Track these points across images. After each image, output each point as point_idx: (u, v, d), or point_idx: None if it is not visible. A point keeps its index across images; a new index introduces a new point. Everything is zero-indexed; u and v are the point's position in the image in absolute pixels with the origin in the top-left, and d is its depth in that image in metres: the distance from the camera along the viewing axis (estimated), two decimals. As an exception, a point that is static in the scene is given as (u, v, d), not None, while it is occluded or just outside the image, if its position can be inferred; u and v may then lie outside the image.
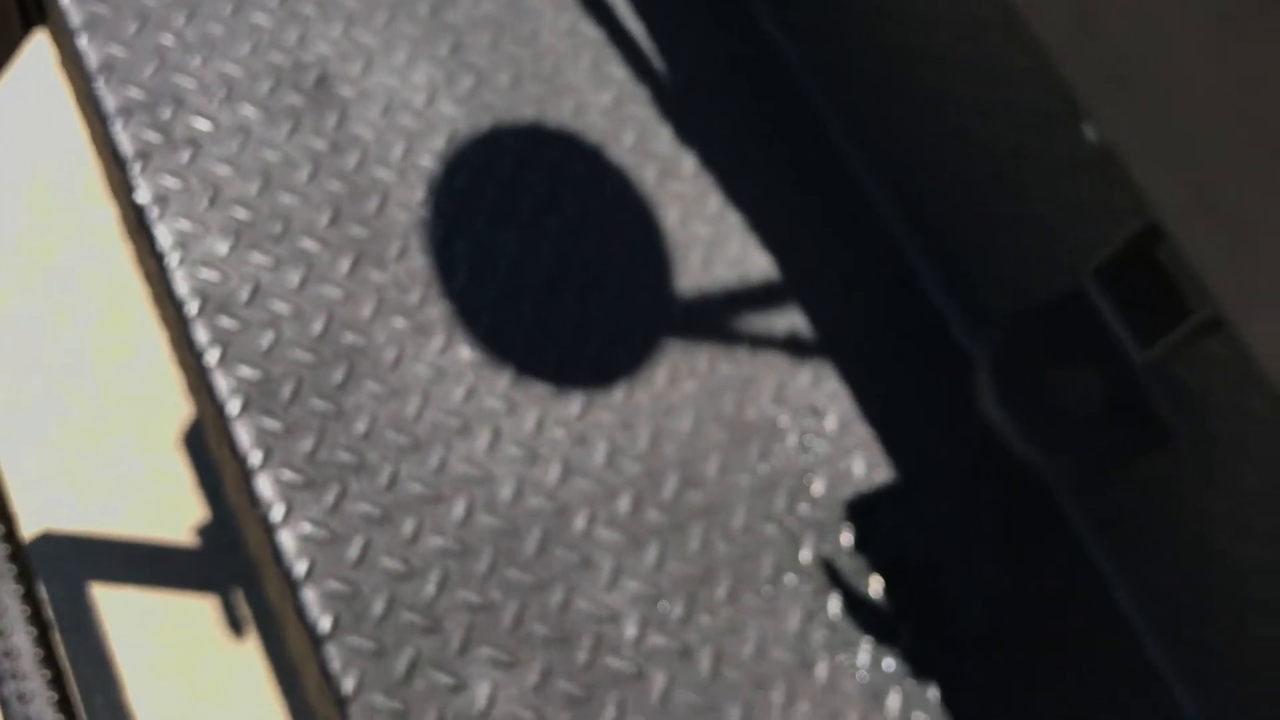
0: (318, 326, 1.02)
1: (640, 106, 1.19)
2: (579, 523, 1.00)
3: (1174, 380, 0.98)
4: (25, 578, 1.15)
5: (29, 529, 1.72)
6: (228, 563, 1.74)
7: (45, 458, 1.76)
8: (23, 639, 1.12)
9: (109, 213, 1.93)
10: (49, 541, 1.73)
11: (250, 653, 1.67)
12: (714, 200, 1.16)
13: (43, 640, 1.12)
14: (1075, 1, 0.76)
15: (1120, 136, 0.74)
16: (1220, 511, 0.97)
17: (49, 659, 1.11)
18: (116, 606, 1.69)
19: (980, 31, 1.03)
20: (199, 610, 1.70)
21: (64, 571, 1.70)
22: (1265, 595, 0.95)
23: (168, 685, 1.64)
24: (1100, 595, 1.06)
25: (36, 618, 1.13)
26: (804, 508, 1.06)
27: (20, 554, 1.16)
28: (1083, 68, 0.75)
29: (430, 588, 0.94)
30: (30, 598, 1.14)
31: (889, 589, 1.03)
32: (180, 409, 1.82)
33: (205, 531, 1.78)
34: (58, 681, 1.11)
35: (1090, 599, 1.06)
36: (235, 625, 1.70)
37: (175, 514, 1.77)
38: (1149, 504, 1.03)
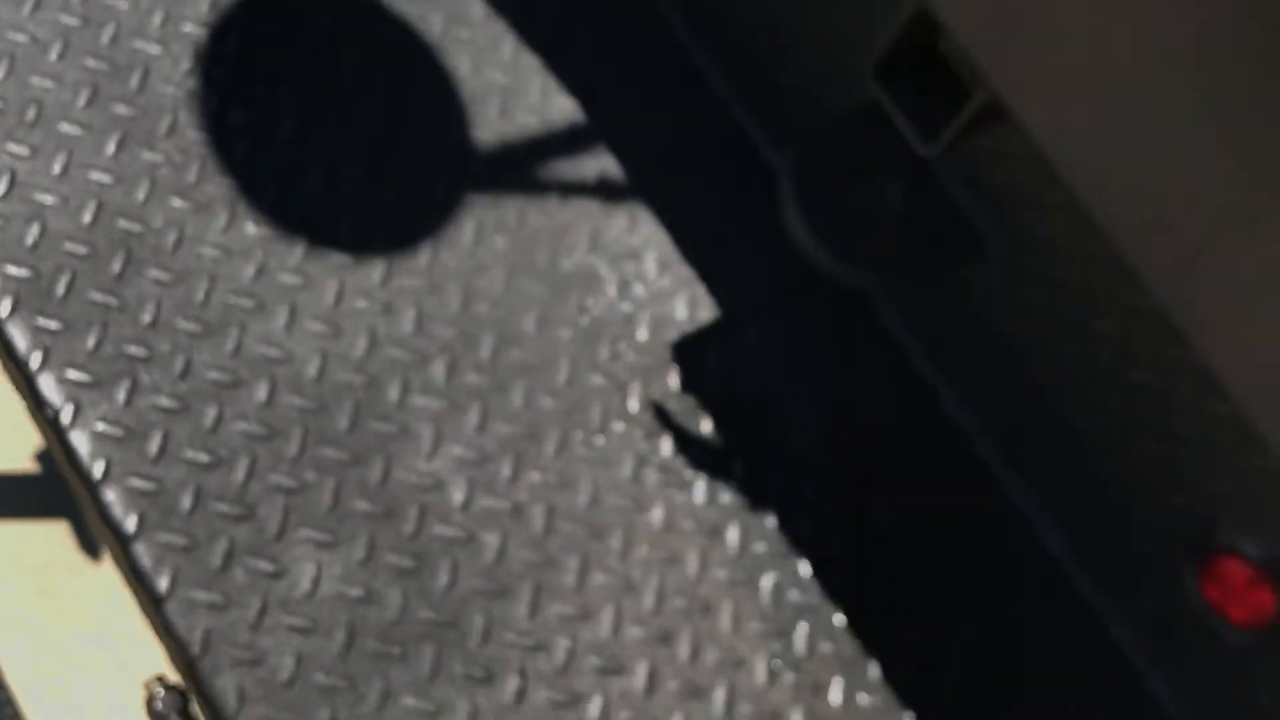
0: (87, 215, 0.95)
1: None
2: (392, 393, 0.96)
3: (977, 182, 0.97)
4: None
5: None
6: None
7: None
8: None
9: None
10: None
11: (108, 571, 1.61)
12: (508, 45, 1.10)
13: None
14: None
15: None
16: (1036, 306, 0.98)
17: None
18: None
19: None
20: (51, 536, 1.63)
21: None
22: (1083, 387, 0.97)
23: (29, 615, 1.58)
24: (928, 405, 1.07)
25: None
26: (629, 355, 1.03)
27: None
28: None
29: (239, 475, 0.89)
30: None
31: (720, 425, 1.02)
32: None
33: (45, 456, 1.69)
34: None
35: (919, 410, 1.07)
36: (90, 547, 1.63)
37: (13, 442, 1.68)
38: (966, 308, 1.03)
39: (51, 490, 1.69)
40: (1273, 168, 0.64)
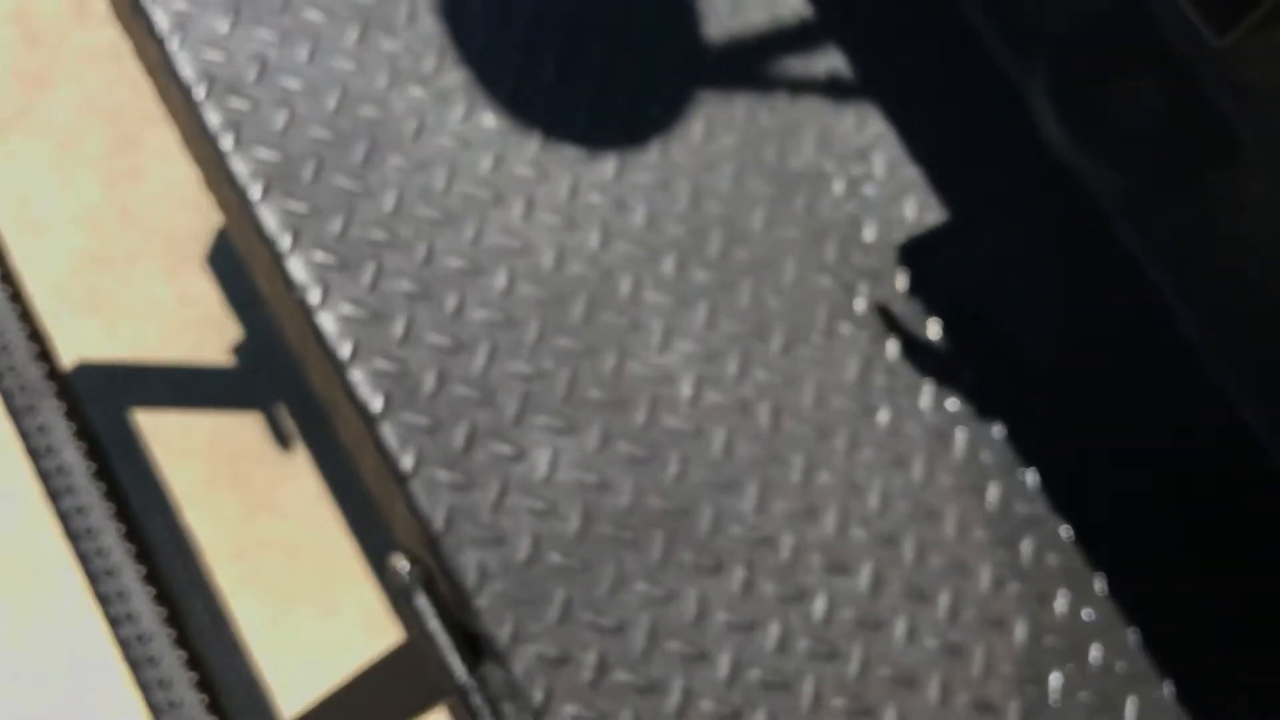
0: (332, 101, 0.97)
1: None
2: (624, 287, 0.96)
3: (1239, 85, 0.92)
4: (66, 394, 1.13)
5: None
6: (268, 379, 1.73)
7: (68, 292, 1.73)
8: (73, 455, 1.11)
9: (101, 35, 1.85)
10: (86, 372, 1.72)
11: (300, 463, 1.68)
12: (738, -61, 1.08)
13: (93, 454, 1.11)
14: None
15: None
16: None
17: (102, 473, 1.10)
18: (161, 431, 1.68)
19: None
20: (245, 427, 1.70)
21: (104, 400, 1.69)
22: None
23: (222, 501, 1.65)
24: (1164, 323, 1.03)
25: (84, 433, 1.12)
26: (856, 256, 1.02)
27: (57, 372, 1.13)
28: None
29: (480, 360, 0.91)
30: (75, 413, 1.12)
31: (948, 331, 1.00)
32: (201, 230, 1.78)
33: (241, 350, 1.76)
34: (113, 495, 1.10)
35: (1154, 327, 1.03)
36: (281, 438, 1.70)
37: (209, 336, 1.75)
38: (1213, 222, 0.99)
39: (248, 383, 1.76)
40: None
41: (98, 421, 1.65)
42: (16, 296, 1.11)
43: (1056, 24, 1.02)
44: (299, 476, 1.68)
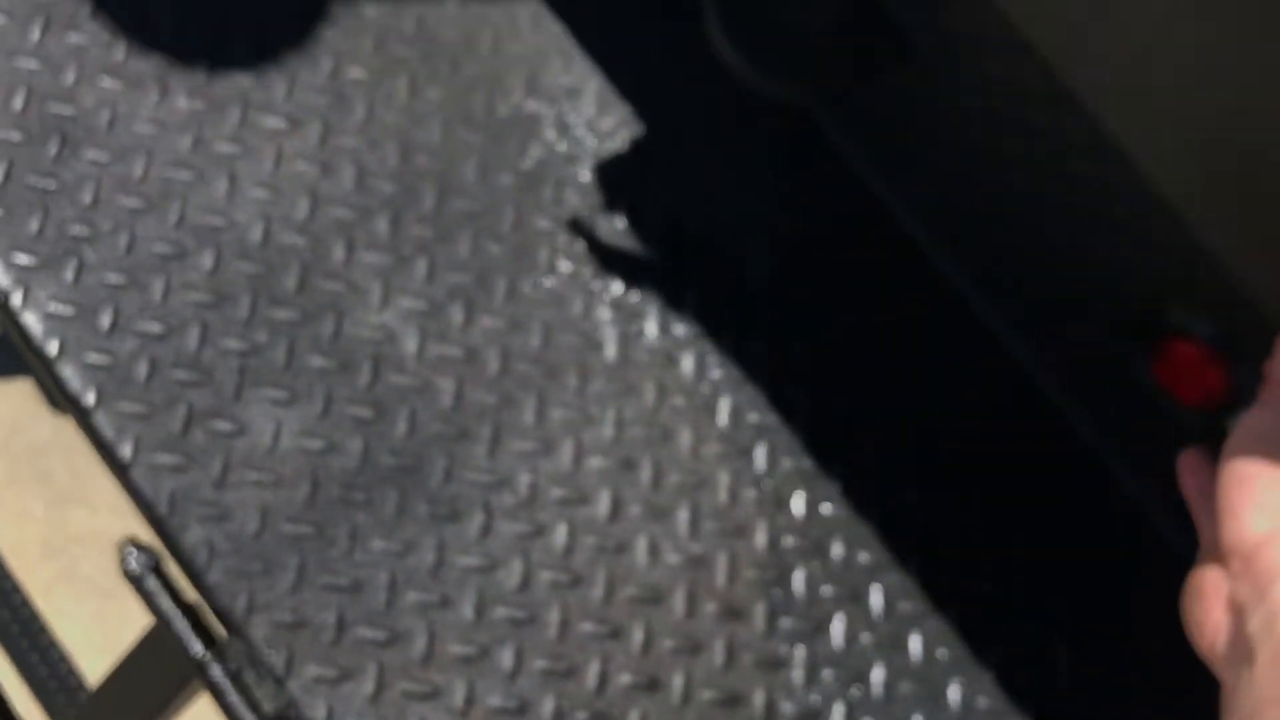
0: (18, 102, 0.96)
1: None
2: (338, 252, 0.97)
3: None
4: None
5: None
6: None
7: None
8: None
9: None
10: None
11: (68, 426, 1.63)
12: (427, -104, 1.09)
13: None
14: None
15: None
16: (974, 109, 0.96)
17: None
18: None
19: None
20: (46, 419, 1.66)
21: None
22: (1024, 184, 0.96)
23: (27, 498, 1.62)
24: (881, 220, 1.07)
25: None
26: (573, 197, 1.03)
27: None
28: None
29: (191, 342, 0.91)
30: None
31: (670, 257, 1.03)
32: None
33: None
34: None
35: (873, 225, 1.07)
36: (54, 400, 1.65)
37: None
38: (905, 115, 1.02)
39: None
40: None
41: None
42: None
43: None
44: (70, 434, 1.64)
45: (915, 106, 1.00)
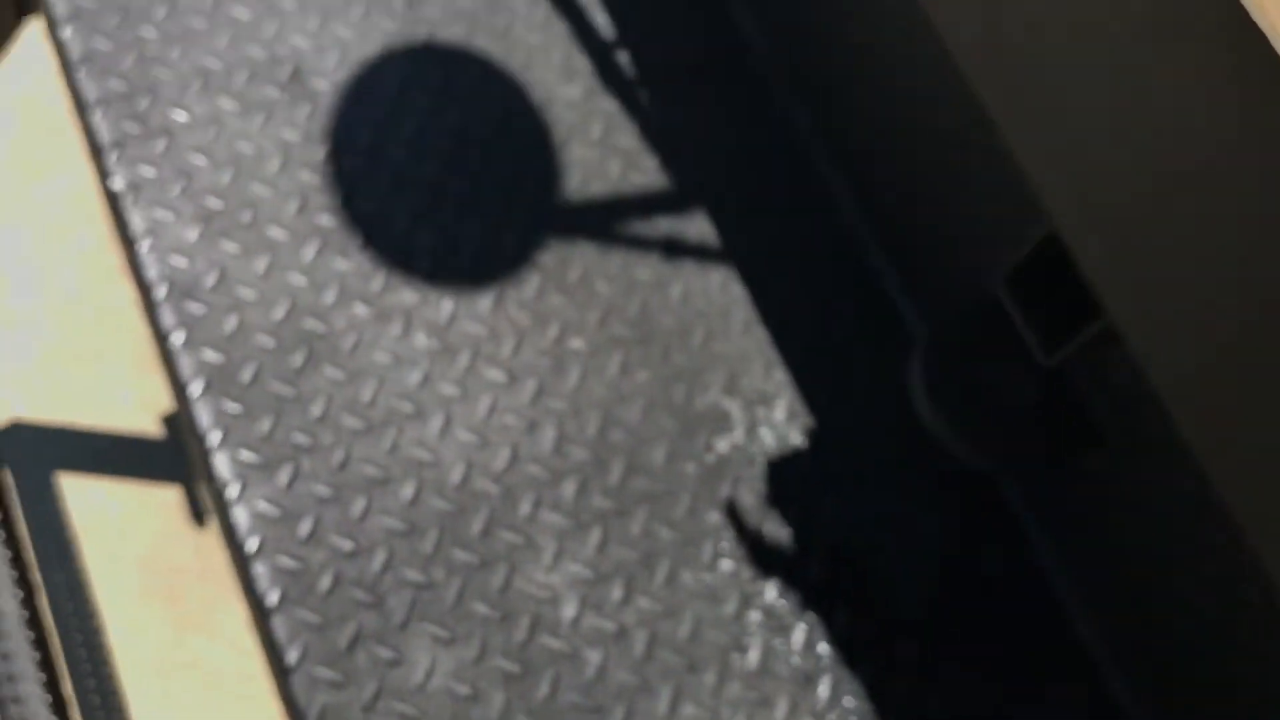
0: (280, 312, 1.06)
1: (607, 100, 1.21)
2: (524, 506, 1.04)
3: (1107, 381, 0.99)
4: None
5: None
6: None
7: (27, 378, 1.76)
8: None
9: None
10: (17, 431, 1.73)
11: (213, 541, 1.68)
12: (675, 189, 1.18)
13: (15, 562, 1.15)
14: (985, 10, 0.77)
15: (1016, 141, 0.76)
16: (1150, 508, 0.99)
17: (9, 539, 1.14)
18: (97, 535, 1.70)
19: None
20: (184, 541, 1.73)
21: (30, 461, 1.70)
22: (1188, 594, 0.97)
23: (152, 617, 1.68)
24: (1038, 584, 1.09)
25: (10, 539, 1.15)
26: (747, 496, 1.09)
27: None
28: (985, 73, 0.77)
29: (376, 565, 0.98)
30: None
31: (828, 574, 1.06)
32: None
33: (171, 420, 1.77)
34: (29, 603, 1.13)
35: (1028, 587, 1.09)
36: (198, 515, 1.72)
37: (147, 410, 1.76)
38: (1087, 499, 1.05)
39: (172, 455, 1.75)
40: None
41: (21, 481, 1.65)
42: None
43: (945, 303, 1.10)
44: (211, 553, 1.69)
45: (1097, 491, 1.03)
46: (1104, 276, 0.74)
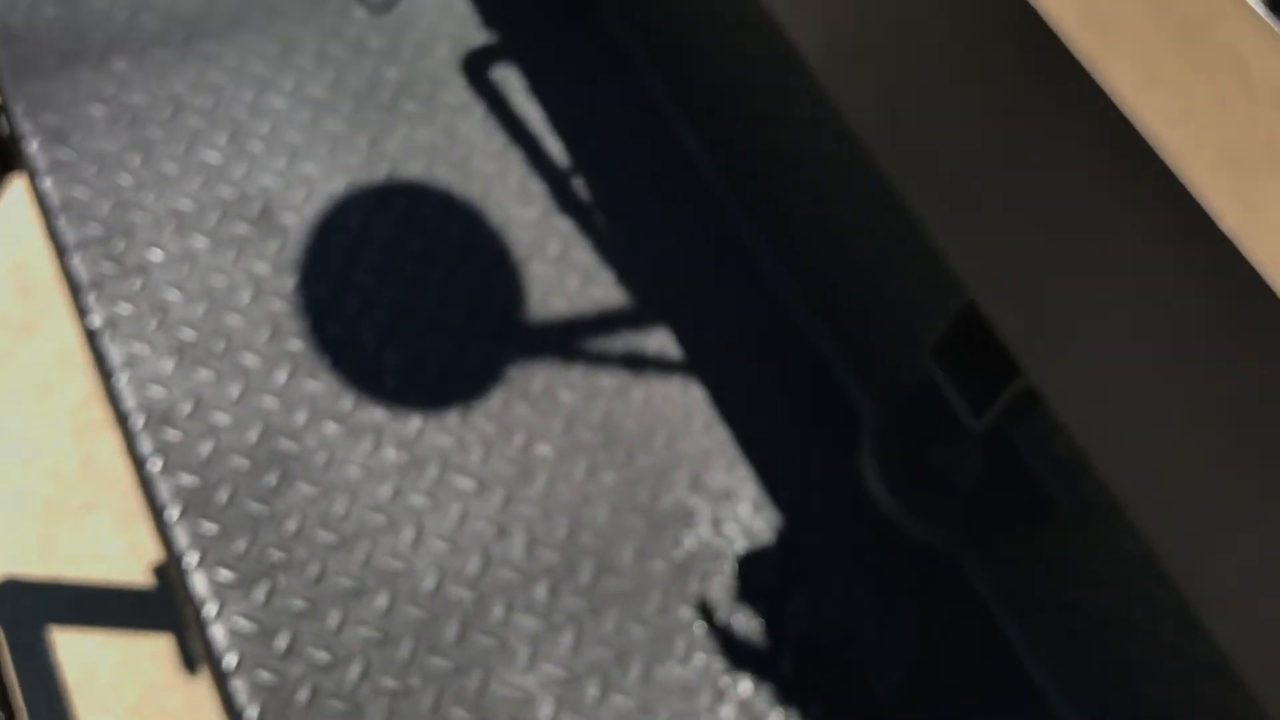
0: (254, 435, 1.10)
1: (563, 220, 1.27)
2: (498, 610, 1.06)
3: (1050, 449, 1.03)
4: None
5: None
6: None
7: (19, 534, 1.78)
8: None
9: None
10: (8, 588, 1.74)
11: (204, 690, 1.68)
12: (632, 300, 1.24)
13: None
14: (886, 96, 0.83)
15: (927, 217, 0.81)
16: (1106, 575, 1.02)
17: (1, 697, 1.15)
18: (74, 650, 1.69)
19: None
20: (155, 649, 1.72)
21: (22, 616, 1.70)
22: (1147, 658, 0.99)
23: None
24: (1009, 661, 1.10)
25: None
26: (717, 590, 1.11)
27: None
28: (891, 153, 0.83)
29: (353, 675, 1.00)
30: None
31: (801, 665, 1.08)
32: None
33: (161, 570, 1.77)
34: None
35: (1000, 664, 1.10)
36: (190, 663, 1.72)
37: (136, 560, 1.77)
38: (1044, 571, 1.08)
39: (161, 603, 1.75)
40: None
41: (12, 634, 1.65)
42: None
43: (891, 384, 1.15)
44: (203, 706, 1.67)
45: (1050, 563, 1.06)
46: (1017, 335, 0.78)
